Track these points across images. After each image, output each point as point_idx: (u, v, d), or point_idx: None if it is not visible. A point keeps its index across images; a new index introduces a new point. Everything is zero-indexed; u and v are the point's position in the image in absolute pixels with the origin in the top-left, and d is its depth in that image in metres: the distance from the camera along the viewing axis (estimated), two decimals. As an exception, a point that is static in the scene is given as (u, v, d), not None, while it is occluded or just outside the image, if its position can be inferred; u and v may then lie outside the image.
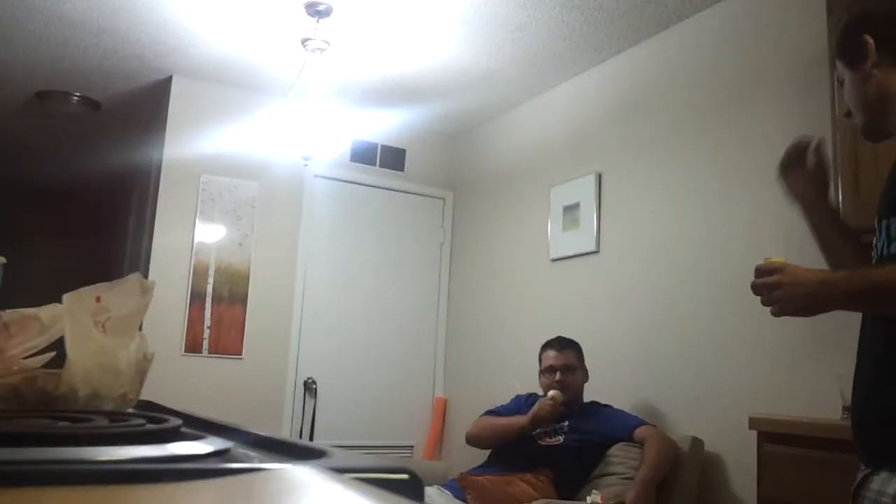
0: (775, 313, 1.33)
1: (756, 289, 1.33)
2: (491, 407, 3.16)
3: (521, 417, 2.91)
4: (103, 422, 0.66)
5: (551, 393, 2.88)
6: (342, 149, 4.30)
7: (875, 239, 1.34)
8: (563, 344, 3.04)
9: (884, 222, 1.29)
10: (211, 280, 3.92)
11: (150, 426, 0.64)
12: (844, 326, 2.31)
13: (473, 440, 3.04)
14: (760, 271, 1.33)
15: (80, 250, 6.43)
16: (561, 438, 2.84)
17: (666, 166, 3.16)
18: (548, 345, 3.07)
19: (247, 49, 3.64)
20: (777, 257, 1.36)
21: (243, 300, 3.99)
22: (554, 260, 3.74)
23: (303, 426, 4.07)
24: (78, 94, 4.30)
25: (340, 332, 4.28)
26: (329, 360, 4.22)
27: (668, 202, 3.11)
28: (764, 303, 1.33)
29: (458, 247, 4.63)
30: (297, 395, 4.12)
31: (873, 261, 1.33)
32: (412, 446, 4.40)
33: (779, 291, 1.29)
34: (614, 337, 3.25)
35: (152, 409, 0.88)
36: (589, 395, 3.04)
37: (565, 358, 2.99)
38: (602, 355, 3.17)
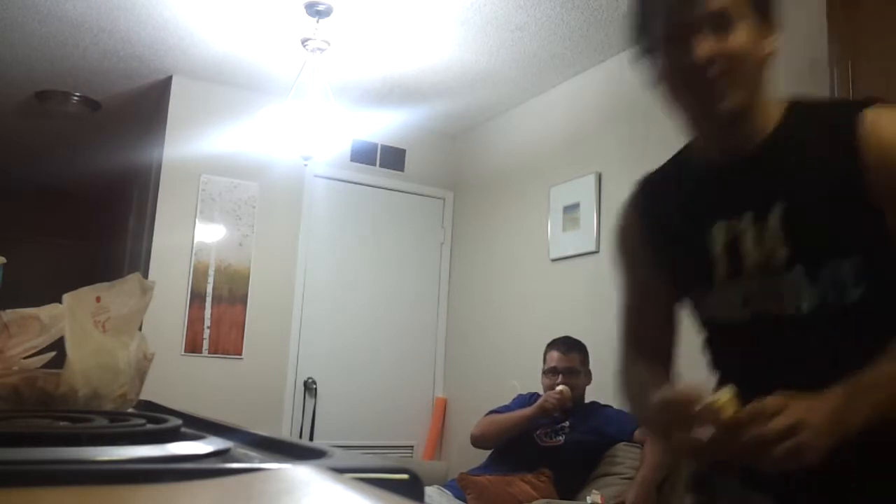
0: (804, 462, 0.87)
1: (767, 444, 0.87)
2: (492, 408, 3.16)
3: (527, 409, 2.91)
4: (103, 422, 0.66)
5: (560, 387, 2.87)
6: (342, 149, 4.30)
7: (800, 283, 1.02)
8: (568, 346, 3.01)
9: (826, 269, 0.99)
10: (211, 280, 3.92)
11: (150, 426, 0.64)
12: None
13: (480, 439, 3.02)
14: (759, 416, 0.88)
15: (80, 250, 6.43)
16: (561, 439, 2.84)
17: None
18: (553, 345, 3.05)
19: (247, 49, 3.64)
20: (725, 393, 0.91)
21: (243, 300, 3.99)
22: (554, 260, 3.74)
23: (303, 426, 4.07)
24: (78, 94, 4.30)
25: (340, 332, 4.28)
26: (329, 360, 4.22)
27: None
28: (783, 460, 0.87)
29: (458, 247, 4.63)
30: (297, 395, 4.12)
31: (805, 306, 1.01)
32: (412, 446, 4.39)
33: (805, 433, 0.86)
34: (614, 337, 3.24)
35: (152, 409, 0.88)
36: (589, 395, 3.03)
37: (569, 360, 2.98)
38: (602, 355, 3.17)
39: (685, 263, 1.15)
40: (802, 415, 0.87)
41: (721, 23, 1.01)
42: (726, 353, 1.18)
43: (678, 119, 1.11)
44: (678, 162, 1.20)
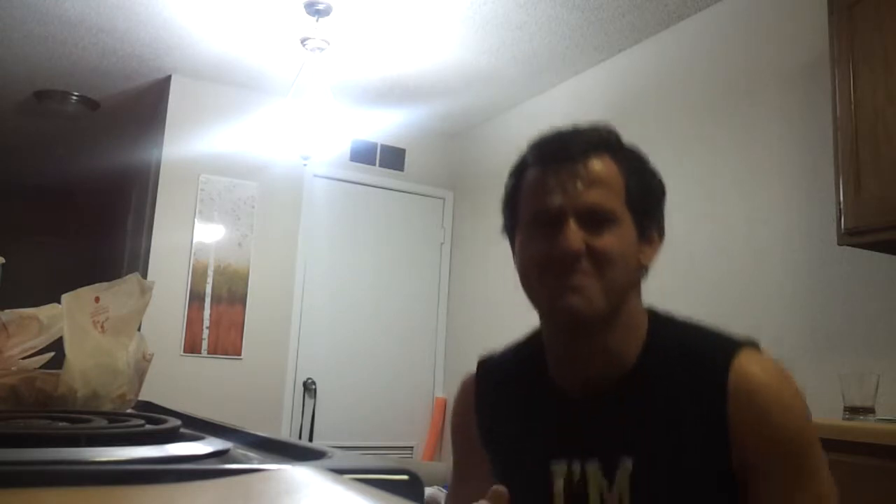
0: None
1: None
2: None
3: None
4: (102, 422, 0.65)
5: None
6: (342, 148, 4.30)
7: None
8: None
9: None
10: (210, 280, 3.92)
11: (149, 427, 0.64)
12: (847, 327, 2.31)
13: None
14: None
15: (79, 250, 6.42)
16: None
17: (665, 166, 3.14)
18: None
19: (246, 48, 3.63)
20: None
21: (242, 300, 3.99)
22: (553, 260, 3.73)
23: (302, 427, 4.06)
24: (76, 93, 4.29)
25: (340, 333, 4.28)
26: (328, 361, 4.21)
27: (668, 202, 3.11)
28: None
29: (458, 247, 4.63)
30: (297, 396, 4.12)
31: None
32: (412, 447, 4.39)
33: None
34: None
35: (151, 410, 0.88)
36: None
37: None
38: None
39: (518, 486, 1.01)
40: None
41: (595, 219, 0.91)
42: None
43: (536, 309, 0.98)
44: (531, 360, 1.03)
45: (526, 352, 1.06)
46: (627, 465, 0.91)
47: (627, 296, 0.94)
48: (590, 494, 0.93)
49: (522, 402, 1.02)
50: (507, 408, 1.04)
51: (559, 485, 0.96)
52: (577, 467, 0.95)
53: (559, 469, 0.96)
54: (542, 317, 1.00)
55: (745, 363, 0.89)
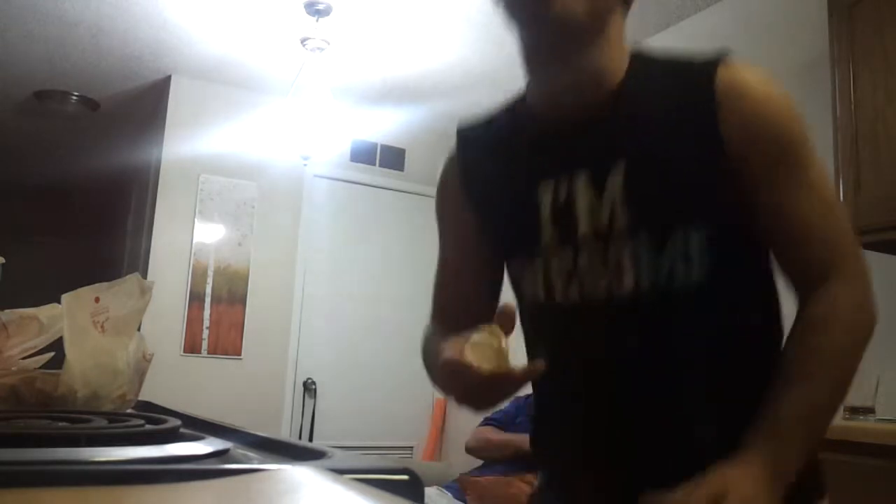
0: None
1: None
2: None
3: (516, 437, 2.84)
4: (102, 422, 0.65)
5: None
6: (342, 149, 4.30)
7: (627, 252, 0.89)
8: None
9: (676, 233, 0.87)
10: (210, 280, 3.92)
11: (149, 427, 0.64)
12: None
13: (473, 453, 3.03)
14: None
15: (78, 250, 6.42)
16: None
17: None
18: None
19: (246, 48, 3.63)
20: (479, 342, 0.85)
21: (242, 300, 3.99)
22: (553, 260, 3.73)
23: (302, 427, 4.06)
24: (76, 93, 4.29)
25: (340, 333, 4.28)
26: (328, 361, 4.21)
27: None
28: None
29: (458, 247, 4.63)
30: (297, 396, 4.12)
31: (646, 282, 0.89)
32: (412, 447, 4.39)
33: None
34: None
35: (151, 410, 0.88)
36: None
37: None
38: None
39: (508, 228, 1.02)
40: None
41: None
42: (548, 336, 1.05)
43: (517, 44, 1.00)
44: (510, 111, 1.06)
45: (505, 104, 1.08)
46: (620, 168, 0.88)
47: (609, 19, 0.92)
48: (578, 210, 0.91)
49: (506, 142, 1.02)
50: (491, 155, 1.04)
51: (545, 207, 0.94)
52: (563, 185, 0.92)
53: (545, 191, 0.94)
54: (521, 39, 0.98)
55: (732, 68, 0.89)
